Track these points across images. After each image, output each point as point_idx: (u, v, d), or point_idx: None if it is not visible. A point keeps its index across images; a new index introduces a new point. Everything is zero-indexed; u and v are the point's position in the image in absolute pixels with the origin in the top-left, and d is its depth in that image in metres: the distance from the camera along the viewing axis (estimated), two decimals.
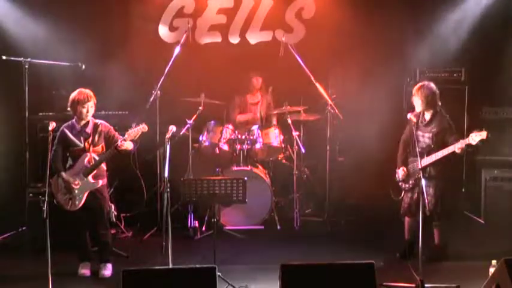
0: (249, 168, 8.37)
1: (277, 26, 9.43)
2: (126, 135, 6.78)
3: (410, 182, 7.08)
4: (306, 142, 8.79)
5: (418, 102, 7.01)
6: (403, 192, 7.17)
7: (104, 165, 6.94)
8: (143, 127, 6.80)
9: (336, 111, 8.45)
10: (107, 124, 7.00)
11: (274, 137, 8.59)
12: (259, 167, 8.67)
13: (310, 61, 8.46)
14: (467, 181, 8.80)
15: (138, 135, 6.81)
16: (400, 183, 7.19)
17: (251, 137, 8.50)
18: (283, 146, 8.63)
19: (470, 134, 6.65)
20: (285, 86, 9.06)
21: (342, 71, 9.13)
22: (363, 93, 9.00)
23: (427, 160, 6.84)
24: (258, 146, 8.51)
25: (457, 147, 6.70)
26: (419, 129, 7.02)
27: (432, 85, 7.04)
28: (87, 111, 6.82)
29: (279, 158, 8.80)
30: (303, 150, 8.59)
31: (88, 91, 6.84)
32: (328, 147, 8.65)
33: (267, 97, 9.16)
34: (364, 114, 8.97)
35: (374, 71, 8.99)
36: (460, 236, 7.64)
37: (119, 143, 6.77)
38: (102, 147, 6.92)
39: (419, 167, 6.69)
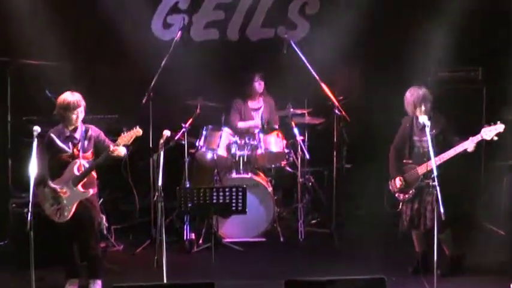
0: (249, 175, 8.38)
1: (280, 23, 9.45)
2: (118, 140, 6.75)
3: (410, 192, 7.06)
4: (310, 147, 8.77)
5: (422, 111, 6.94)
6: (400, 204, 7.13)
7: (94, 173, 6.91)
8: (137, 131, 6.76)
9: (343, 113, 8.45)
10: (96, 129, 6.98)
11: (277, 142, 8.58)
12: (261, 174, 8.67)
13: (315, 60, 8.48)
14: (486, 189, 8.79)
15: (131, 140, 6.77)
16: (397, 195, 7.14)
17: (252, 142, 8.50)
18: (286, 151, 8.61)
19: (483, 129, 6.61)
20: (288, 87, 9.07)
21: (350, 70, 9.16)
22: (372, 94, 9.01)
23: (431, 164, 6.71)
24: (259, 151, 8.50)
25: (468, 145, 6.67)
26: (415, 134, 7.04)
27: (425, 88, 7.06)
28: (77, 118, 6.79)
29: (282, 165, 8.79)
30: (307, 156, 8.59)
31: (77, 95, 6.79)
32: (334, 153, 8.64)
33: (269, 101, 9.14)
34: (373, 116, 8.99)
35: (384, 71, 9.01)
36: (478, 248, 7.63)
37: (111, 148, 6.73)
38: (92, 153, 6.91)
39: (420, 173, 6.68)
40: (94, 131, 6.94)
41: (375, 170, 8.66)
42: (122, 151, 6.81)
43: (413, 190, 7.02)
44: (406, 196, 7.08)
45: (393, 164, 7.20)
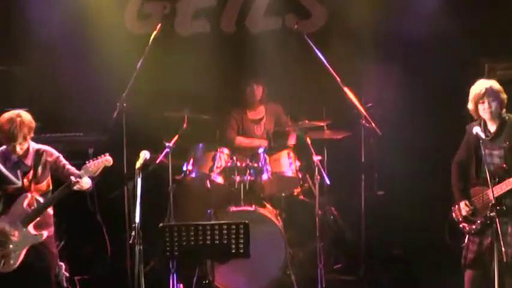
0: (253, 208, 8.33)
1: (289, 10, 9.49)
2: (82, 171, 6.78)
3: (479, 222, 6.97)
4: (331, 170, 8.76)
5: (485, 109, 6.91)
6: (466, 237, 7.07)
7: (50, 210, 6.92)
8: (106, 159, 6.83)
9: (373, 125, 8.42)
10: (53, 151, 6.99)
11: (288, 163, 8.55)
12: (268, 206, 8.62)
13: (335, 58, 8.46)
14: None
15: (99, 170, 6.85)
16: (461, 225, 7.08)
17: (255, 165, 8.46)
18: (300, 176, 8.59)
19: None
20: (300, 93, 9.10)
21: (380, 70, 9.14)
22: (408, 99, 9.03)
23: (502, 187, 6.73)
24: (265, 176, 8.46)
25: None
26: (485, 145, 6.94)
27: (497, 84, 7.00)
28: (21, 144, 6.79)
29: (295, 193, 8.80)
30: (327, 182, 8.53)
31: (21, 115, 6.77)
32: (363, 177, 8.65)
33: (274, 109, 9.17)
34: (411, 128, 8.99)
35: (423, 69, 9.05)
36: None
37: (72, 179, 6.75)
38: (48, 183, 6.91)
39: (493, 198, 6.61)
40: (50, 154, 6.94)
41: (416, 198, 8.63)
42: (85, 184, 6.86)
43: (483, 220, 6.94)
44: (473, 227, 7.00)
45: (456, 184, 7.15)
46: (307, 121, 8.65)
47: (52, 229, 6.95)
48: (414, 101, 9.04)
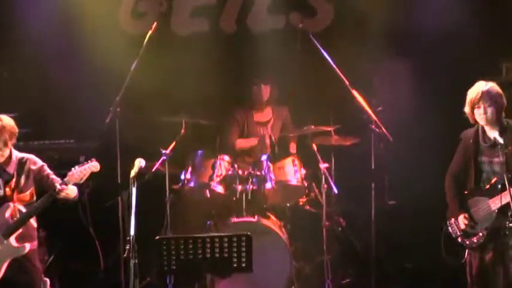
0: (255, 219, 8.32)
1: (293, 7, 9.50)
2: (67, 177, 6.78)
3: (481, 234, 6.93)
4: (339, 178, 8.77)
5: (480, 114, 6.86)
6: (466, 253, 7.03)
7: (34, 223, 6.92)
8: (93, 165, 6.83)
9: (383, 130, 8.39)
10: (36, 159, 6.99)
11: (292, 171, 8.56)
12: (271, 217, 8.61)
13: (343, 58, 8.45)
14: None
15: (85, 177, 6.83)
16: (460, 240, 7.03)
17: (258, 173, 8.45)
18: (305, 184, 8.58)
19: None
20: (305, 96, 9.12)
21: (391, 71, 9.17)
22: (422, 102, 9.02)
23: (506, 197, 6.65)
24: (268, 185, 8.47)
25: None
26: (483, 153, 6.95)
27: (497, 86, 6.96)
28: (1, 151, 6.81)
29: (300, 203, 8.81)
30: (335, 191, 8.58)
31: (1, 120, 6.78)
32: (373, 185, 8.61)
33: (282, 113, 9.18)
34: (425, 133, 8.99)
35: (437, 70, 9.06)
36: None
37: (57, 186, 6.74)
38: (32, 193, 6.91)
39: (493, 208, 6.65)
40: (33, 163, 6.94)
41: (429, 208, 8.59)
42: (71, 192, 6.86)
43: (485, 232, 6.89)
44: (475, 240, 6.95)
45: (453, 197, 7.10)
46: (313, 126, 8.66)
47: (36, 243, 6.94)
48: (428, 104, 9.03)
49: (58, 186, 6.75)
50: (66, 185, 6.76)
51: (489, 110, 6.80)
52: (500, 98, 6.87)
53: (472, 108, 6.88)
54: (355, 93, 8.32)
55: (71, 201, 7.04)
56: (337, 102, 8.79)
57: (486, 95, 6.80)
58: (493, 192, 6.80)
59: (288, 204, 8.83)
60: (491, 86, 6.87)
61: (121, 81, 8.16)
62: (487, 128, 6.89)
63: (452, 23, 9.03)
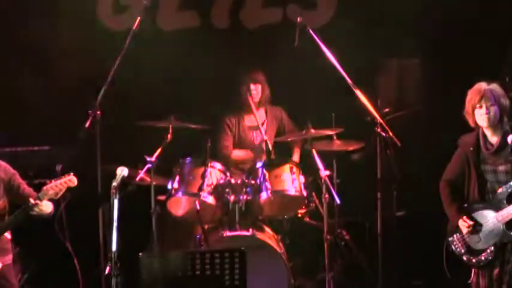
0: (250, 232, 8.29)
1: (290, 0, 9.50)
2: (41, 192, 6.78)
3: (488, 251, 6.90)
4: (342, 187, 8.76)
5: (482, 115, 6.84)
6: (472, 273, 7.00)
7: (7, 234, 6.92)
8: (70, 179, 6.84)
9: (391, 134, 8.34)
10: (9, 168, 7.00)
11: (290, 180, 8.50)
12: (267, 230, 8.60)
13: (345, 55, 8.41)
14: None
15: (61, 192, 6.85)
16: (465, 258, 7.01)
17: (252, 182, 8.44)
18: (304, 194, 8.53)
19: None
20: (304, 96, 9.14)
21: (398, 69, 9.15)
22: (433, 103, 9.05)
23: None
24: (263, 195, 8.43)
25: None
26: (486, 161, 6.93)
27: (499, 87, 6.96)
28: None
29: (299, 215, 8.77)
30: (337, 201, 8.52)
31: None
32: (379, 195, 8.56)
33: (276, 114, 9.20)
34: (436, 138, 8.97)
35: (450, 67, 9.06)
36: None
37: (31, 201, 6.74)
38: (4, 203, 6.90)
39: (501, 222, 6.65)
40: (5, 171, 6.95)
41: (440, 220, 8.55)
42: (46, 207, 6.88)
43: (492, 248, 6.86)
44: (482, 258, 6.90)
45: (449, 202, 7.10)
46: (313, 130, 8.61)
47: (11, 257, 6.97)
48: (440, 105, 9.04)
49: (32, 201, 6.76)
50: (40, 200, 6.77)
51: (492, 109, 6.78)
52: (504, 98, 6.87)
53: (473, 109, 6.85)
54: (358, 93, 8.26)
55: (45, 217, 7.03)
56: (339, 103, 8.77)
57: (489, 93, 6.80)
58: (499, 204, 6.78)
59: (285, 216, 8.80)
60: (494, 85, 6.88)
61: (101, 82, 8.09)
62: (488, 133, 6.87)
63: (466, 15, 9.07)
